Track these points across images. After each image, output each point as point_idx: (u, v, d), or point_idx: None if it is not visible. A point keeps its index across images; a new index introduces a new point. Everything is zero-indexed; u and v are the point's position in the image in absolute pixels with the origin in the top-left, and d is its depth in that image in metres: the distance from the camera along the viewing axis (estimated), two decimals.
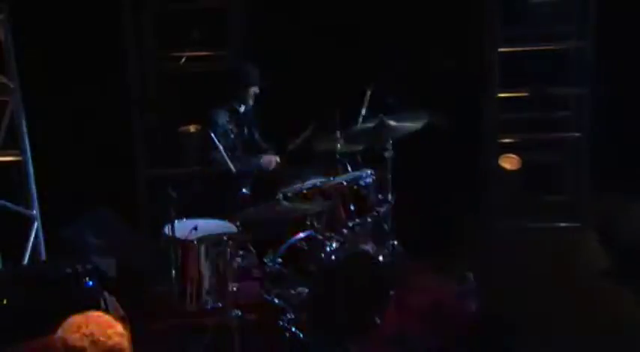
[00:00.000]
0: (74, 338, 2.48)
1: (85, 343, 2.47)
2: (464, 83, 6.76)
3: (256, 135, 5.84)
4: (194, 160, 5.78)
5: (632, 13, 6.38)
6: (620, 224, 6.57)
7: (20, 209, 5.21)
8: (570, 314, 5.58)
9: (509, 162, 6.77)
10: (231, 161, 5.19)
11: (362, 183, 5.27)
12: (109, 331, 2.55)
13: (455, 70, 6.73)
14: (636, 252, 5.99)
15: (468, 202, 6.68)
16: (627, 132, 6.61)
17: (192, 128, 5.75)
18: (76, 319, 2.54)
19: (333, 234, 5.07)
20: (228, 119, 5.55)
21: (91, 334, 2.50)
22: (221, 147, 5.15)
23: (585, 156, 6.88)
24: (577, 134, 6.90)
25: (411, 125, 5.30)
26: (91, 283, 4.49)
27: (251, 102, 5.66)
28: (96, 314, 2.61)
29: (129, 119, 6.59)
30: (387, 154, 5.26)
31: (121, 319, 4.65)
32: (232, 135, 5.60)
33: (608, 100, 6.63)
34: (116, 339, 2.53)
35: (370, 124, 5.29)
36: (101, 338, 2.50)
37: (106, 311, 4.46)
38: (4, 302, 4.37)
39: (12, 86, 5.13)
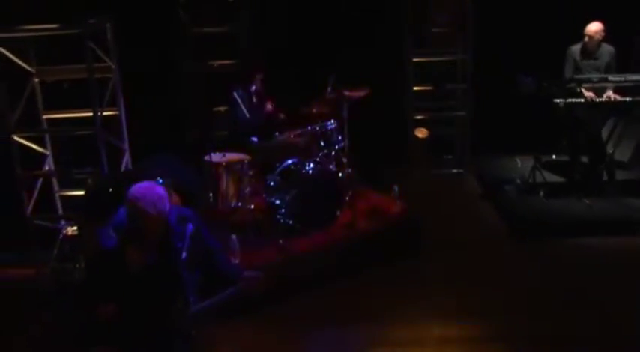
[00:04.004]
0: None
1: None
2: (392, 80, 6.94)
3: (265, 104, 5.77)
4: (223, 124, 5.97)
5: (495, 38, 6.61)
6: (485, 167, 6.95)
7: (117, 143, 5.36)
8: (459, 218, 6.03)
9: (420, 132, 7.02)
10: (245, 115, 5.38)
11: (328, 128, 5.44)
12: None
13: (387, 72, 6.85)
14: (497, 186, 6.34)
15: (393, 153, 6.90)
16: (495, 112, 6.65)
17: (222, 109, 6.05)
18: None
19: (310, 160, 5.25)
20: (242, 93, 5.54)
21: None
22: (240, 103, 5.36)
23: (467, 128, 7.12)
24: (462, 113, 7.12)
25: (356, 95, 5.50)
26: (161, 181, 4.54)
27: (258, 84, 5.72)
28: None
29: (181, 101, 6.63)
30: (344, 112, 5.44)
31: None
32: (246, 103, 5.57)
33: (481, 93, 6.90)
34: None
35: (334, 94, 5.51)
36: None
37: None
38: (110, 190, 4.54)
39: (113, 67, 5.24)
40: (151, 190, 2.70)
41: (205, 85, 6.65)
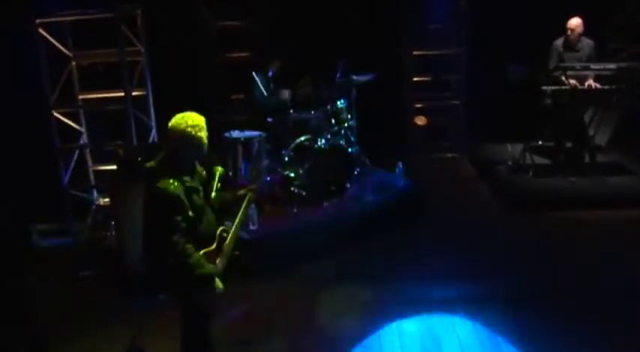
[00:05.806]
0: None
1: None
2: (395, 71, 7.04)
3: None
4: (242, 110, 6.08)
5: (488, 34, 6.69)
6: (478, 151, 7.04)
7: (145, 119, 5.47)
8: (456, 194, 6.16)
9: (420, 120, 7.16)
10: (264, 94, 5.48)
11: (339, 107, 5.53)
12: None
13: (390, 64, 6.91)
14: (490, 167, 6.45)
15: (395, 138, 7.00)
16: (487, 102, 6.80)
17: (240, 96, 6.13)
18: None
19: (321, 135, 5.36)
20: (262, 77, 5.78)
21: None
22: (260, 83, 5.51)
23: (462, 116, 7.29)
24: (457, 102, 7.29)
25: (363, 79, 5.68)
26: None
27: (274, 69, 5.94)
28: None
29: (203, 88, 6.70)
30: (352, 93, 5.61)
31: None
32: (265, 85, 5.83)
33: (475, 83, 6.98)
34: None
35: (343, 79, 5.66)
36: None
37: None
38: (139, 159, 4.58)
39: (143, 51, 5.35)
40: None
41: (225, 73, 6.77)
